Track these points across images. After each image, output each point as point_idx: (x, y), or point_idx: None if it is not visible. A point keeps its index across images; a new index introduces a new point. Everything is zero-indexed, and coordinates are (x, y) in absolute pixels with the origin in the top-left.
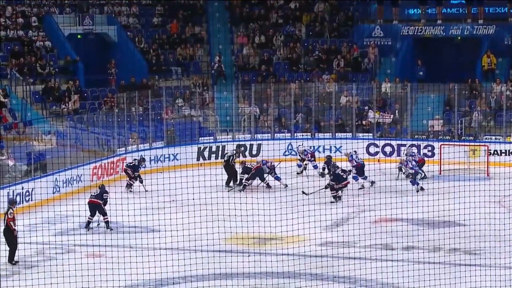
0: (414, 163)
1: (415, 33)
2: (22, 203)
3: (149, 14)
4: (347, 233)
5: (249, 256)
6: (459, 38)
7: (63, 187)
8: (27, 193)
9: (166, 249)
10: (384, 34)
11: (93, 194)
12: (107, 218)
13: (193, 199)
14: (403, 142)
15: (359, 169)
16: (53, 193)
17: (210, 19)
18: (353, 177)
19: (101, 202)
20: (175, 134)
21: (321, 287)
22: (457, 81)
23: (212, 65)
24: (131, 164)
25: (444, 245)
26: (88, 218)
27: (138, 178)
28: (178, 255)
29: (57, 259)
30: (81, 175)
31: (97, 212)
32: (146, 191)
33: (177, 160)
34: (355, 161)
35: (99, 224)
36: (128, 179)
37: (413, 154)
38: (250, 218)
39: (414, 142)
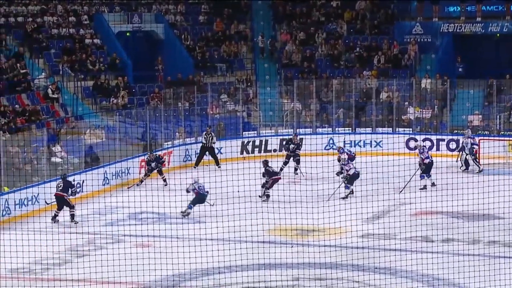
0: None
1: (455, 30)
2: (74, 194)
3: (195, 12)
4: (387, 225)
5: (292, 246)
6: (498, 35)
7: (112, 179)
8: (78, 185)
9: (212, 239)
10: (424, 31)
11: (58, 186)
12: (73, 211)
13: (238, 191)
14: (443, 137)
15: (351, 160)
16: (103, 185)
17: (254, 16)
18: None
19: (65, 194)
20: (221, 128)
21: (361, 277)
22: (496, 77)
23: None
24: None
25: (483, 238)
26: (55, 211)
27: (159, 173)
28: (223, 245)
29: (107, 249)
30: (130, 167)
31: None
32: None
33: (222, 153)
34: (347, 153)
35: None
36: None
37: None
38: (293, 210)
39: (454, 137)
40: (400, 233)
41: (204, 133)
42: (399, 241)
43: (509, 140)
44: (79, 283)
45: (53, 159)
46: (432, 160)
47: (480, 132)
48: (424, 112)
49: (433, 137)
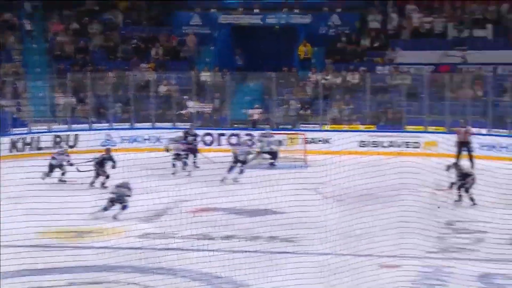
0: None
1: (233, 22)
2: None
3: None
4: (166, 223)
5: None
6: (276, 27)
7: None
8: None
9: None
10: (202, 22)
11: None
12: None
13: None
14: (223, 132)
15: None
16: None
17: (22, 4)
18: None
19: None
20: None
21: (140, 278)
22: (275, 70)
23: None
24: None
25: (263, 233)
26: None
27: None
28: None
29: None
30: None
31: None
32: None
33: None
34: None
35: None
36: None
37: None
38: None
39: (234, 132)
40: (179, 231)
41: None
42: (178, 240)
43: (288, 133)
44: None
45: None
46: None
47: (260, 126)
48: (204, 106)
49: (214, 132)
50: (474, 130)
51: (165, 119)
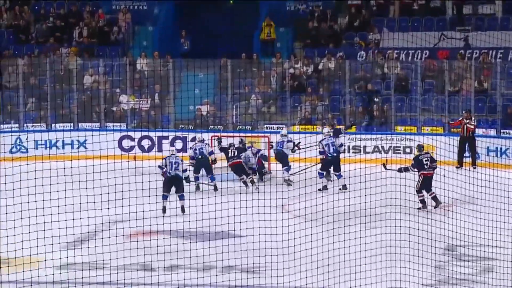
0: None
1: None
2: None
3: None
4: (95, 250)
5: None
6: (231, 1)
7: None
8: None
9: None
10: None
11: None
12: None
13: None
14: (165, 134)
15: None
16: None
17: None
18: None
19: None
20: None
21: None
22: (231, 56)
23: None
24: None
25: (216, 262)
26: None
27: None
28: None
29: None
30: None
31: None
32: None
33: None
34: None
35: None
36: None
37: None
38: None
39: (179, 134)
40: (110, 260)
41: None
42: (109, 271)
43: (248, 136)
44: None
45: None
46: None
47: (212, 126)
48: (141, 102)
49: (153, 134)
50: (480, 131)
51: (91, 119)
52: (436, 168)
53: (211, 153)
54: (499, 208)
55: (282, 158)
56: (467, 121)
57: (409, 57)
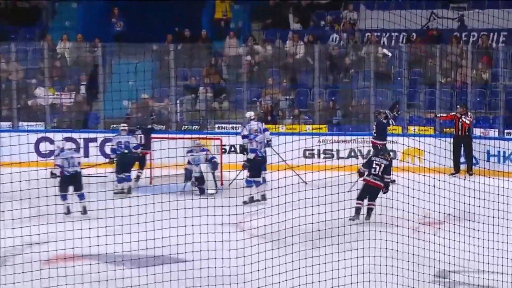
0: None
1: None
2: None
3: None
4: (4, 280)
5: None
6: None
7: None
8: None
9: None
10: None
11: None
12: None
13: None
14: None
15: None
16: None
17: None
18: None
19: None
20: None
21: None
22: (174, 39)
23: None
24: None
25: None
26: None
27: None
28: None
29: None
30: None
31: None
32: None
33: None
34: None
35: None
36: None
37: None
38: None
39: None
40: None
41: None
42: None
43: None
44: None
45: None
46: None
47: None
48: (62, 96)
49: (77, 136)
50: (479, 131)
51: (0, 117)
52: (388, 184)
53: (137, 147)
54: (500, 226)
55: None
56: (462, 116)
57: (392, 41)
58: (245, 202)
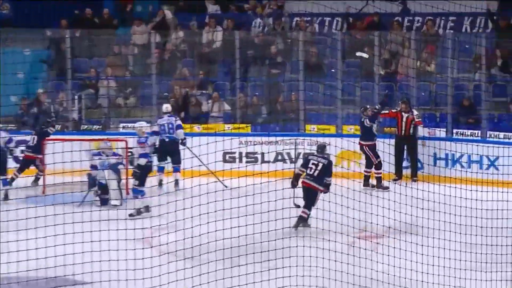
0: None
1: None
2: None
3: None
4: None
5: None
6: None
7: None
8: None
9: None
10: None
11: None
12: None
13: None
14: None
15: None
16: None
17: None
18: None
19: None
20: None
21: None
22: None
23: None
24: None
25: None
26: None
27: None
28: None
29: None
30: None
31: None
32: None
33: None
34: None
35: None
36: None
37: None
38: None
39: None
40: None
41: None
42: None
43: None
44: None
45: None
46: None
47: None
48: None
49: None
50: (428, 131)
51: None
52: (327, 185)
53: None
54: (447, 240)
55: (172, 150)
56: (406, 114)
57: (325, 27)
58: (131, 215)
